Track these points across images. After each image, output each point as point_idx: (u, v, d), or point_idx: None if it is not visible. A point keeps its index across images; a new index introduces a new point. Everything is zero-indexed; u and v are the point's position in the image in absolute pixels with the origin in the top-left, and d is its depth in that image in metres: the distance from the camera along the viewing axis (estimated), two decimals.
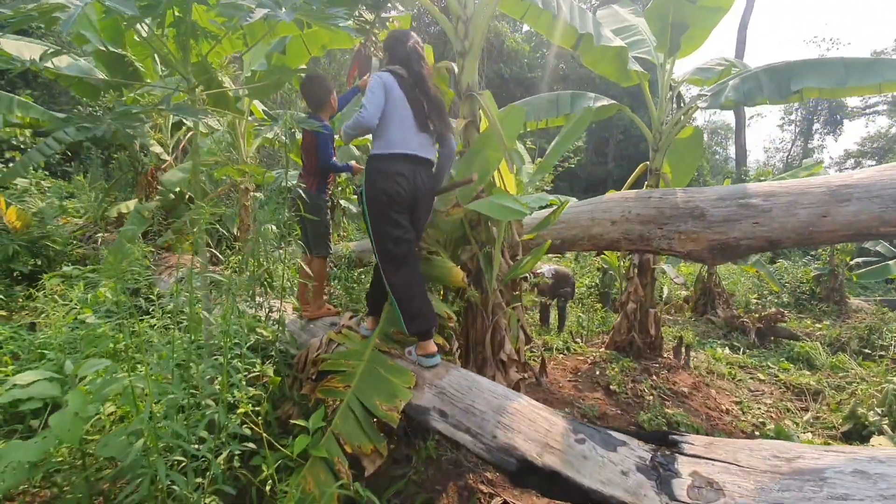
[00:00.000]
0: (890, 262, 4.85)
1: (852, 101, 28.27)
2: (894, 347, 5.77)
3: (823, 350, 6.05)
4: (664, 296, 8.08)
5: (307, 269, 2.86)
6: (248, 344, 2.11)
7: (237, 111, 5.48)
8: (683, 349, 5.34)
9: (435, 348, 2.33)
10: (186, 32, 2.41)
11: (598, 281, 8.15)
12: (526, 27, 24.08)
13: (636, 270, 5.32)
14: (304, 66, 5.05)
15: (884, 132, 25.32)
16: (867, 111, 26.40)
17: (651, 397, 4.39)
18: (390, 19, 3.43)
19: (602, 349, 5.44)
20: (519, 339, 3.30)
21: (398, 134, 2.35)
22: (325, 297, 3.09)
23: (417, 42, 2.53)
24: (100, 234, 6.73)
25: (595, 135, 23.47)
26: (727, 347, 6.45)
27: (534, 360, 4.48)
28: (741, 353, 6.32)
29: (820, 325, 7.61)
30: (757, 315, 7.25)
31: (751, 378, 5.54)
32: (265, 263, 2.54)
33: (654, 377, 4.82)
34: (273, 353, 2.48)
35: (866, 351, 6.09)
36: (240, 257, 2.81)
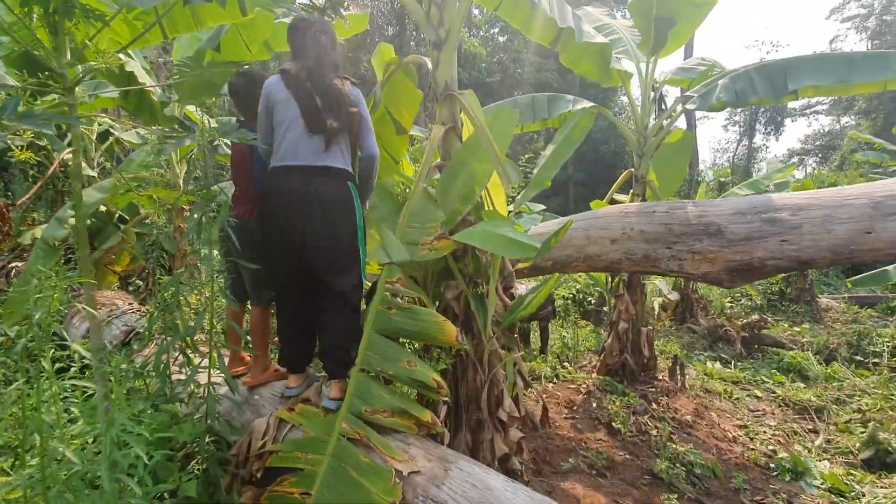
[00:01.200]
0: (889, 268, 4.60)
1: (794, 102, 29.72)
2: (887, 354, 5.58)
3: (815, 359, 5.81)
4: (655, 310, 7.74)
5: (238, 325, 2.19)
6: (151, 459, 1.42)
7: (166, 120, 4.68)
8: (678, 369, 4.93)
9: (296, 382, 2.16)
10: (58, 10, 1.71)
11: (580, 295, 7.73)
12: (482, 32, 23.88)
13: (625, 287, 4.87)
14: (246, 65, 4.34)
15: (825, 131, 26.63)
16: (808, 111, 27.75)
17: (656, 431, 3.93)
18: (345, 4, 2.80)
19: (594, 374, 4.96)
20: (516, 387, 2.73)
21: (287, 142, 2.01)
22: (269, 356, 2.41)
23: (322, 30, 2.04)
24: (13, 265, 5.71)
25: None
26: (717, 361, 6.14)
27: (527, 397, 3.93)
28: (731, 365, 6.02)
29: (799, 329, 7.49)
30: (740, 323, 7.02)
31: (748, 395, 5.22)
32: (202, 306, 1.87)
33: (654, 405, 4.38)
34: (198, 448, 1.79)
35: (858, 358, 5.90)
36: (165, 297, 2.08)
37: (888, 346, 5.95)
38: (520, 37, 19.90)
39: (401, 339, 2.09)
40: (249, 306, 2.46)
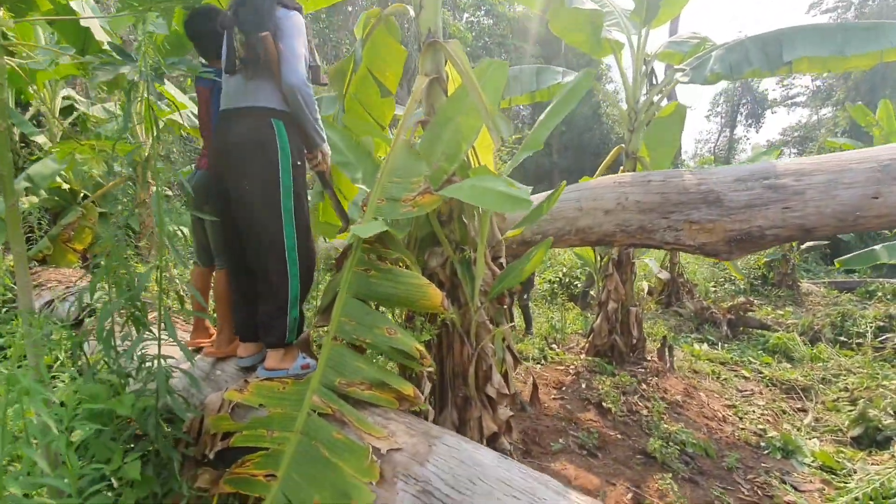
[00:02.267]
0: (877, 248, 4.55)
1: (773, 94, 30.00)
2: (871, 335, 5.58)
3: (800, 340, 5.80)
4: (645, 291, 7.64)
5: (202, 292, 1.96)
6: (84, 432, 1.20)
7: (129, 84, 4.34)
8: (667, 350, 4.84)
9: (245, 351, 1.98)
10: None
11: (567, 279, 7.59)
12: (467, 14, 23.46)
13: (615, 266, 4.74)
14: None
15: (804, 122, 27.00)
16: (788, 101, 28.08)
17: (646, 411, 3.83)
18: None
19: (582, 355, 4.83)
20: (505, 363, 2.56)
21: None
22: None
23: None
24: None
25: None
26: (703, 343, 6.09)
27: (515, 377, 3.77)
28: (718, 347, 5.98)
29: (783, 313, 7.51)
30: (726, 305, 6.99)
31: (735, 376, 5.16)
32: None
33: (644, 385, 4.27)
34: (149, 427, 1.57)
35: (842, 339, 5.90)
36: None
37: (871, 328, 5.97)
38: (505, 21, 19.59)
39: (380, 307, 1.88)
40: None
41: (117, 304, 1.49)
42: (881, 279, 9.44)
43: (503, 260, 2.57)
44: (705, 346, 5.91)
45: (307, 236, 1.84)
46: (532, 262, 2.10)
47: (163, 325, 1.58)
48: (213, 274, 2.21)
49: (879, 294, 8.13)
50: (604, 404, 3.70)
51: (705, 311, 6.81)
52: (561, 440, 3.14)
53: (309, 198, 2.00)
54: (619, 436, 3.36)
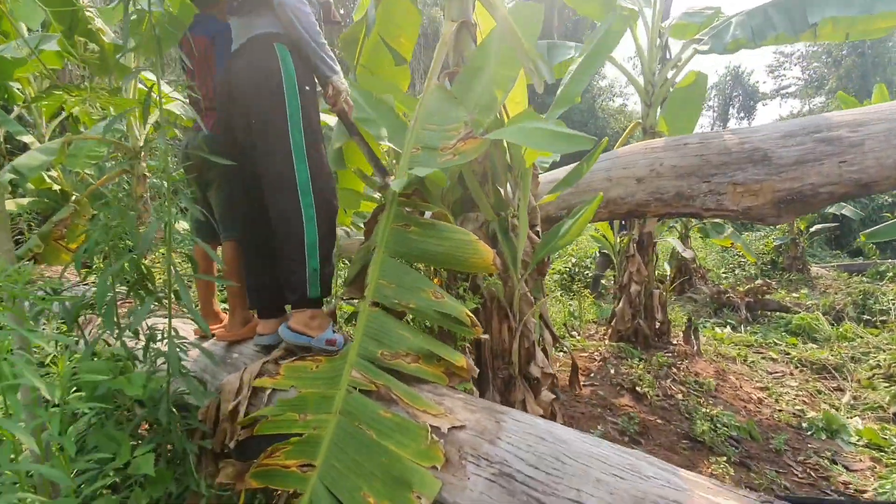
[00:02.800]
0: None
1: (763, 87, 30.04)
2: (895, 312, 5.41)
3: (825, 320, 5.62)
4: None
5: (207, 268, 1.73)
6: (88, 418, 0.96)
7: (120, 70, 4.09)
8: (692, 333, 4.63)
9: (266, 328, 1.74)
10: None
11: (576, 268, 7.38)
12: None
13: (636, 246, 4.53)
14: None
15: (796, 112, 27.04)
16: (780, 92, 28.13)
17: (682, 395, 3.61)
18: None
19: (605, 341, 4.62)
20: (543, 341, 2.34)
21: None
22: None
23: None
24: None
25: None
26: (724, 326, 5.89)
27: None
28: (741, 330, 5.79)
29: (798, 295, 7.35)
30: (742, 289, 6.81)
31: (763, 358, 4.97)
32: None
33: (675, 370, 4.06)
34: (160, 414, 1.33)
35: (865, 317, 5.73)
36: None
37: (894, 305, 5.81)
38: None
39: (416, 265, 1.64)
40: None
41: (117, 267, 1.25)
42: (890, 260, 9.34)
43: (538, 228, 2.35)
44: (728, 330, 5.70)
45: (324, 175, 1.61)
46: (579, 222, 1.88)
47: (173, 293, 1.34)
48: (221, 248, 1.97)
49: (891, 275, 8.01)
50: (638, 389, 3.48)
51: (722, 294, 6.62)
52: (599, 426, 2.91)
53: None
54: (659, 421, 3.14)
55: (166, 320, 1.38)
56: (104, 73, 4.14)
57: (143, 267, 1.34)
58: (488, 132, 1.95)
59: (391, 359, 1.39)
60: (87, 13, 3.39)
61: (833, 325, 5.66)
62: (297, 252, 1.57)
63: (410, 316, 1.61)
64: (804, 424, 3.50)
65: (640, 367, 3.79)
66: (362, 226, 3.07)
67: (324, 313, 1.65)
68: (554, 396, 2.25)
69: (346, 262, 2.73)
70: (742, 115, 33.73)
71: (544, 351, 2.30)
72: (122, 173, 4.62)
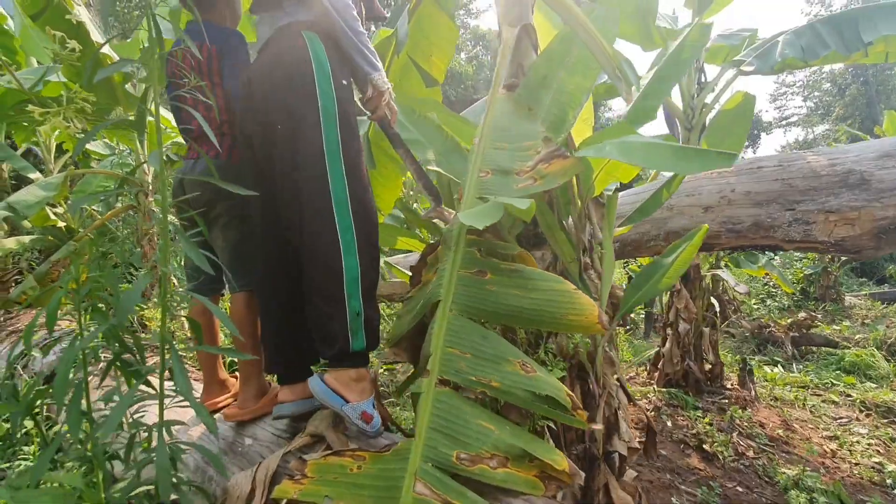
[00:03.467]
0: None
1: (766, 116, 30.15)
2: None
3: (881, 356, 5.15)
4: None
5: (207, 326, 1.35)
6: None
7: (129, 101, 3.83)
8: (747, 375, 4.17)
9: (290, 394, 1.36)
10: None
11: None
12: (464, 54, 23.65)
13: (682, 282, 4.14)
14: None
15: (801, 140, 27.06)
16: (783, 123, 28.21)
17: (753, 452, 3.14)
18: None
19: (653, 386, 4.16)
20: (621, 405, 1.92)
21: None
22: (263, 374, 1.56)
23: None
24: None
25: None
26: (773, 365, 5.42)
27: None
28: (791, 368, 5.32)
29: (839, 327, 6.89)
30: (783, 322, 6.35)
31: (823, 402, 4.48)
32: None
33: (738, 420, 3.60)
34: None
35: None
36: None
37: None
38: None
39: (486, 325, 1.25)
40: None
41: (91, 337, 0.88)
42: None
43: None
44: (777, 369, 5.23)
45: (364, 189, 1.27)
46: (679, 261, 1.50)
47: (167, 371, 0.96)
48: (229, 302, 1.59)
49: None
50: (706, 447, 3.02)
51: (763, 329, 6.16)
52: (674, 499, 2.45)
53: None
54: (739, 488, 2.67)
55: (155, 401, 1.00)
56: (111, 103, 3.88)
57: (125, 337, 0.97)
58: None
59: (471, 464, 0.98)
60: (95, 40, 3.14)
61: (889, 360, 5.19)
62: (334, 290, 1.20)
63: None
64: (888, 481, 3.04)
65: (705, 419, 3.33)
66: (401, 268, 2.69)
67: (370, 377, 1.27)
68: (636, 474, 1.83)
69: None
70: (747, 144, 33.78)
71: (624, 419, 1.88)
72: (128, 209, 4.31)
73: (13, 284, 4.12)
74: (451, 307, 1.13)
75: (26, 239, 4.96)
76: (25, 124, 3.90)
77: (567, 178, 1.21)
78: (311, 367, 1.41)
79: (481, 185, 1.27)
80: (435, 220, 1.74)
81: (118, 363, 0.97)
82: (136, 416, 1.07)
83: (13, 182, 5.51)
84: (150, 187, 4.56)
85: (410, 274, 1.44)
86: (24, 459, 1.52)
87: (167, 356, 0.97)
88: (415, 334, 1.33)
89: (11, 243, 4.64)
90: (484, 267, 1.16)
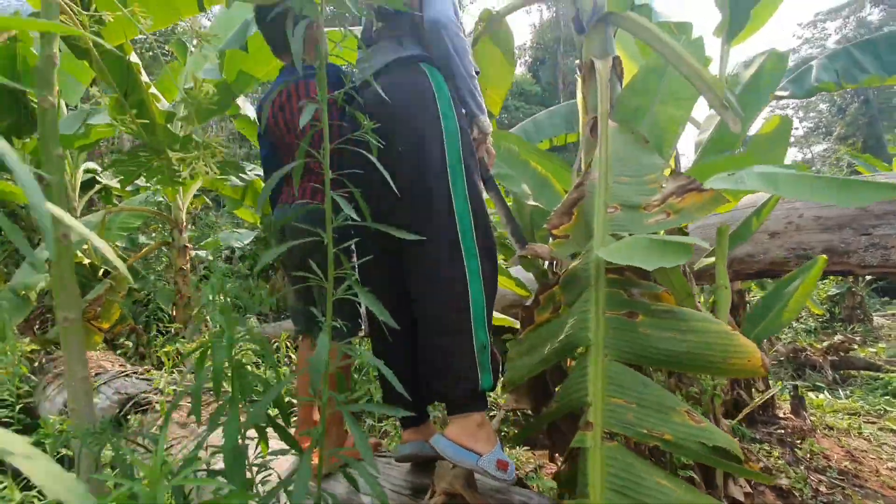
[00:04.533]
0: None
1: None
2: None
3: None
4: None
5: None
6: None
7: (169, 138, 3.85)
8: (800, 404, 4.04)
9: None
10: None
11: None
12: None
13: None
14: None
15: (800, 160, 27.33)
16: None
17: (825, 488, 3.00)
18: None
19: None
20: None
21: None
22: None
23: None
24: None
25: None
26: (818, 391, 5.27)
27: None
28: (841, 395, 5.17)
29: (875, 350, 6.75)
30: (818, 345, 6.21)
31: (880, 430, 4.32)
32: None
33: (800, 451, 3.45)
34: None
35: None
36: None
37: None
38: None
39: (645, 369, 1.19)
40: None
41: (255, 416, 0.81)
42: None
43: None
44: (825, 396, 5.08)
45: (484, 215, 1.24)
46: (801, 291, 1.44)
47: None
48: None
49: None
50: (781, 484, 2.88)
51: (800, 353, 6.02)
52: None
53: None
54: None
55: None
56: (152, 140, 3.90)
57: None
58: None
59: None
60: (143, 79, 3.18)
61: None
62: (460, 324, 1.14)
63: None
64: None
65: (774, 453, 3.20)
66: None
67: (489, 422, 1.19)
68: None
69: None
70: None
71: None
72: (161, 245, 4.28)
73: (49, 324, 4.04)
74: (605, 352, 1.06)
75: (35, 280, 4.92)
76: (133, 169, 3.84)
77: (706, 212, 1.17)
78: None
79: (612, 220, 1.23)
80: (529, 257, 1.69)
81: (275, 425, 0.90)
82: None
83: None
84: (184, 223, 4.55)
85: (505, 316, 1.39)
86: None
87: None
88: (536, 379, 1.27)
89: (41, 282, 4.60)
90: (634, 308, 1.10)
